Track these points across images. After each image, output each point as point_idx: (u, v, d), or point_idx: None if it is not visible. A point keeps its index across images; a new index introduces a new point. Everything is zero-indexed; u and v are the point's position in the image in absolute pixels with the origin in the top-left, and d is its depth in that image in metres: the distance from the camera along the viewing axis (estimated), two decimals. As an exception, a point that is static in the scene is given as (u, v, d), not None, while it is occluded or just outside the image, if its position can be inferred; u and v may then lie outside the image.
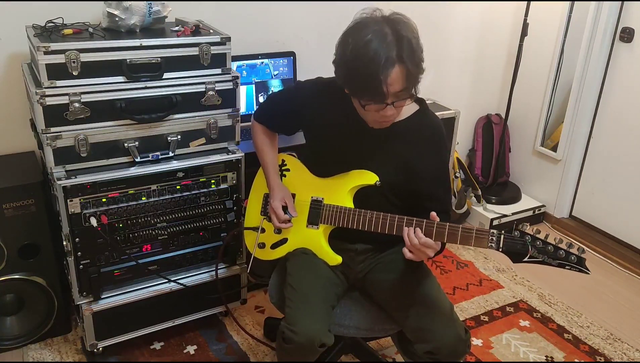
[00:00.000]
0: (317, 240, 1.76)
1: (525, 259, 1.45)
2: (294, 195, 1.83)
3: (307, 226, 1.78)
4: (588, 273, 1.42)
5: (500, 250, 1.46)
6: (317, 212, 1.76)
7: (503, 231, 1.46)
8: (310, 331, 1.57)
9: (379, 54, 1.43)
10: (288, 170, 1.89)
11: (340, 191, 1.72)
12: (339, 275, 1.79)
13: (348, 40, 1.50)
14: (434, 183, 1.70)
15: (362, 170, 1.70)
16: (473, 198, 3.25)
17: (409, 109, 1.68)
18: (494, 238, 1.46)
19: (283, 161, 1.91)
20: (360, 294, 1.83)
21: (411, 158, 1.67)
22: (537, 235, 1.44)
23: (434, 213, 1.53)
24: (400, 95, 1.50)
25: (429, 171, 1.68)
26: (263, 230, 1.89)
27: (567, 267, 1.42)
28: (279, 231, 1.85)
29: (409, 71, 1.46)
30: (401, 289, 1.71)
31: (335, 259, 1.74)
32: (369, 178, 1.69)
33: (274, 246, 1.85)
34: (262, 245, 1.89)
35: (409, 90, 1.51)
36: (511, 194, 3.36)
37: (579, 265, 1.42)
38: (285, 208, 1.78)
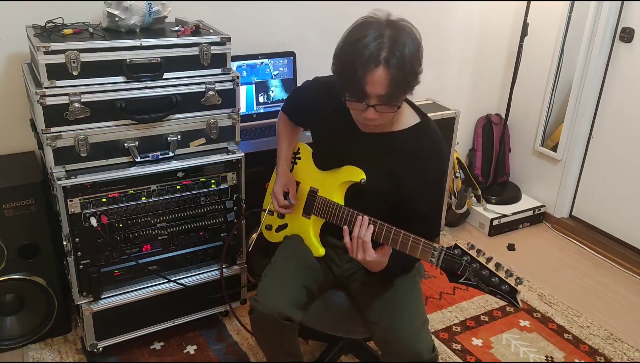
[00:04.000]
0: (307, 229, 1.80)
1: (461, 280, 1.42)
2: (298, 183, 1.86)
3: (302, 214, 1.82)
4: (518, 307, 1.39)
5: (439, 266, 1.44)
6: (311, 203, 1.79)
7: (445, 248, 1.43)
8: (272, 302, 1.61)
9: (366, 51, 1.41)
10: (300, 158, 1.93)
11: (332, 185, 1.74)
12: (322, 265, 1.81)
13: (346, 35, 1.51)
14: (420, 201, 1.61)
15: (351, 166, 1.69)
16: (473, 198, 3.25)
17: (409, 120, 1.64)
18: (436, 253, 1.44)
19: (298, 149, 1.95)
20: (345, 294, 1.83)
21: (401, 171, 1.62)
22: (479, 258, 1.40)
23: None
24: (383, 100, 1.45)
25: (417, 188, 1.61)
26: (272, 212, 1.94)
27: (497, 296, 1.39)
28: (281, 216, 1.90)
29: (393, 76, 1.41)
30: (378, 296, 1.70)
31: (318, 251, 1.77)
32: (356, 174, 1.67)
33: (278, 229, 1.92)
34: (269, 227, 1.96)
35: (392, 97, 1.45)
36: (511, 194, 3.36)
37: (510, 295, 1.37)
38: (287, 195, 1.83)
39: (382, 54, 1.40)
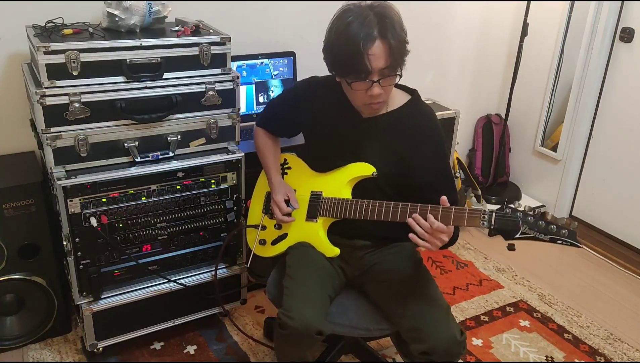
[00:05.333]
0: (315, 233, 1.78)
1: (517, 235, 1.44)
2: (294, 191, 1.85)
3: (306, 220, 1.80)
4: (580, 247, 1.42)
5: (492, 227, 1.46)
6: (316, 205, 1.78)
7: (495, 210, 1.46)
8: (306, 317, 1.58)
9: (360, 31, 1.49)
10: (290, 168, 1.92)
11: (339, 184, 1.74)
12: (336, 268, 1.81)
13: (332, 25, 1.57)
14: (430, 172, 1.68)
15: (359, 162, 1.71)
16: (473, 198, 3.25)
17: (401, 99, 1.70)
18: (486, 216, 1.46)
19: (285, 160, 1.94)
20: (358, 293, 1.83)
21: (404, 150, 1.67)
22: (527, 211, 1.44)
23: (444, 198, 1.51)
24: (385, 72, 1.52)
25: (424, 162, 1.67)
26: (264, 227, 1.92)
27: (558, 242, 1.41)
28: (279, 226, 1.87)
29: (391, 46, 1.49)
30: (398, 288, 1.71)
31: (332, 251, 1.76)
32: (366, 169, 1.70)
33: (275, 242, 1.88)
34: (262, 242, 1.91)
35: (393, 67, 1.53)
36: (511, 194, 3.36)
37: (571, 238, 1.41)
38: (287, 202, 1.81)
39: (375, 29, 1.49)
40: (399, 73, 1.56)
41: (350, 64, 1.52)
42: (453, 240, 1.58)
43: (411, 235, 1.51)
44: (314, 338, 1.59)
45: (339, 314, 1.75)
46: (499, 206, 1.47)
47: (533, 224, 1.43)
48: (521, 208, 1.45)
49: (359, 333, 1.77)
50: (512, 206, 1.45)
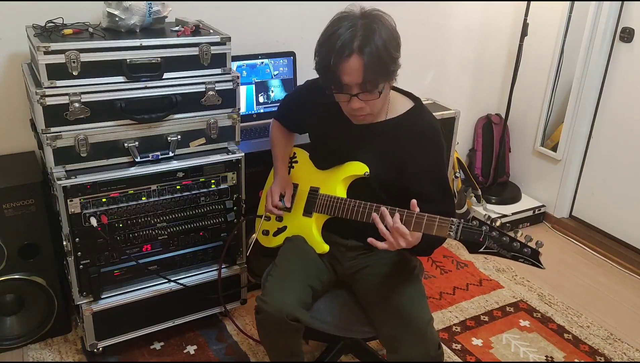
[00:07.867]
0: (309, 228, 1.80)
1: (481, 249, 1.43)
2: (297, 185, 1.89)
3: (302, 214, 1.83)
4: (542, 268, 1.39)
5: (458, 239, 1.45)
6: (312, 201, 1.81)
7: (462, 220, 1.45)
8: (279, 302, 1.61)
9: (338, 42, 1.45)
10: (296, 162, 1.95)
11: (334, 182, 1.75)
12: (326, 264, 1.82)
13: (322, 32, 1.55)
14: (426, 182, 1.65)
15: (353, 161, 1.72)
16: (473, 198, 3.25)
17: (403, 106, 1.69)
18: (454, 227, 1.45)
19: (294, 153, 1.97)
20: (347, 293, 1.84)
21: (401, 156, 1.66)
22: (496, 225, 1.41)
23: (414, 201, 1.49)
24: (362, 87, 1.50)
25: (420, 170, 1.65)
26: (268, 218, 1.96)
27: (520, 260, 1.39)
28: (280, 219, 1.90)
29: (367, 63, 1.45)
30: (383, 295, 1.71)
31: (322, 247, 1.78)
32: (359, 168, 1.70)
33: (276, 233, 1.92)
34: (266, 232, 1.96)
35: (371, 84, 1.49)
36: (511, 194, 3.36)
37: (532, 258, 1.38)
38: (282, 197, 1.85)
39: (355, 42, 1.45)
40: (379, 91, 1.52)
41: (326, 76, 1.53)
42: (419, 249, 1.56)
43: (370, 239, 1.50)
44: (290, 325, 1.60)
45: (325, 311, 1.77)
46: (468, 219, 1.45)
47: (497, 239, 1.40)
48: (495, 223, 1.42)
49: (341, 332, 1.79)
50: (480, 219, 1.42)
